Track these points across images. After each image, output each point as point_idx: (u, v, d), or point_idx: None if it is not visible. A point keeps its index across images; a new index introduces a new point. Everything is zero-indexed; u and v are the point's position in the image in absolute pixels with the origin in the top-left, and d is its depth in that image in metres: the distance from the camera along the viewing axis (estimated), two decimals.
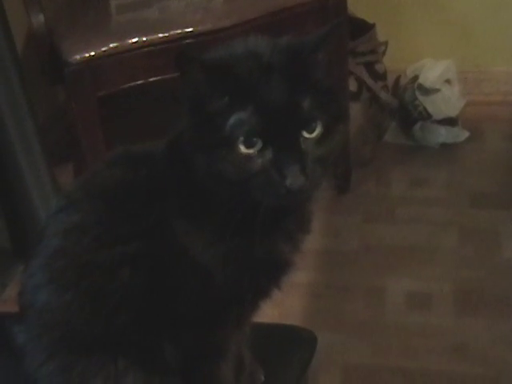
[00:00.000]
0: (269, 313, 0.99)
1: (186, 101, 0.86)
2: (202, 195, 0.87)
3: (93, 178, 0.95)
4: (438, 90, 2.36)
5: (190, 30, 1.74)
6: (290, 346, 1.15)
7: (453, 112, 2.37)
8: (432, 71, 2.38)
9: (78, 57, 1.67)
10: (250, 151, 0.82)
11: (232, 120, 0.82)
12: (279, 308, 1.67)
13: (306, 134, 0.83)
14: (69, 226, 0.92)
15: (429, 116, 2.36)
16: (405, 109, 2.40)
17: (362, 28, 2.30)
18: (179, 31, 1.73)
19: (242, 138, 0.82)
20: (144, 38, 1.71)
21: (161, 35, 1.72)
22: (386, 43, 2.37)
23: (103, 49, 1.69)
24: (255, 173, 0.82)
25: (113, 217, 0.91)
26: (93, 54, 1.68)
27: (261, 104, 0.82)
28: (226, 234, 0.87)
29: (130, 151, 0.96)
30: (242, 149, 0.82)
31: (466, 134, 2.39)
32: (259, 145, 0.82)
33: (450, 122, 2.38)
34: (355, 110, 2.20)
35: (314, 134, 0.84)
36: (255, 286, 0.93)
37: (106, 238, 0.90)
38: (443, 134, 2.38)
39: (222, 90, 0.82)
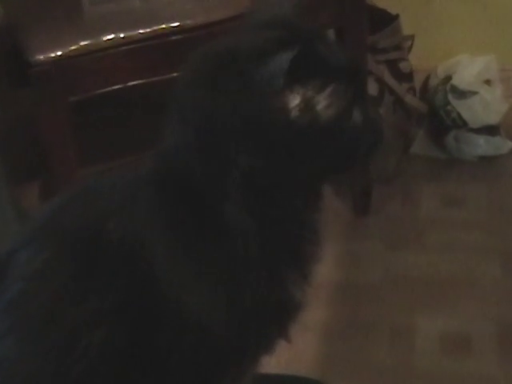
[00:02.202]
0: (274, 358, 0.98)
1: None
2: (207, 228, 0.90)
3: (61, 212, 0.96)
4: (475, 93, 2.37)
5: (178, 24, 1.74)
6: None
7: (493, 119, 2.38)
8: (468, 70, 2.39)
9: (42, 56, 1.67)
10: None
11: None
12: (288, 352, 1.64)
13: None
14: (33, 266, 0.92)
15: (464, 124, 2.37)
16: (435, 115, 2.41)
17: (384, 20, 2.31)
18: (164, 26, 1.74)
19: None
20: (122, 35, 1.71)
21: (142, 31, 1.72)
22: (412, 37, 2.38)
23: (73, 47, 1.69)
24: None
25: (84, 262, 0.92)
26: (60, 53, 1.68)
27: None
28: (233, 278, 0.90)
29: (103, 182, 0.98)
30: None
31: (509, 145, 2.40)
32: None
33: (489, 130, 2.38)
34: None
35: None
36: (260, 337, 0.95)
37: (76, 287, 0.90)
38: (482, 145, 2.38)
39: None
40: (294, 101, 0.90)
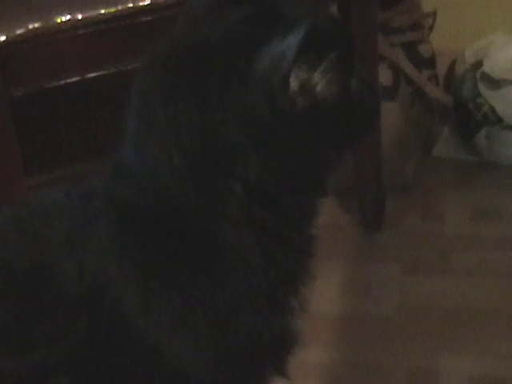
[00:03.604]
0: None
1: None
2: (195, 260, 0.92)
3: None
4: (511, 82, 2.37)
5: (148, 2, 1.74)
6: None
7: None
8: (503, 53, 2.40)
9: None
10: None
11: None
12: None
13: None
14: None
15: (498, 119, 2.37)
16: (463, 109, 2.41)
17: None
18: (131, 4, 1.74)
19: None
20: (79, 16, 1.71)
21: (104, 11, 1.73)
22: (433, 14, 2.39)
23: (20, 31, 1.69)
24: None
25: (31, 305, 0.92)
26: (3, 38, 1.68)
27: None
28: (229, 314, 0.93)
29: (46, 202, 1.00)
30: None
31: None
32: None
33: None
34: (391, 112, 2.21)
35: None
36: (255, 378, 0.99)
37: (18, 334, 0.91)
38: None
39: None
40: (293, 86, 0.90)
